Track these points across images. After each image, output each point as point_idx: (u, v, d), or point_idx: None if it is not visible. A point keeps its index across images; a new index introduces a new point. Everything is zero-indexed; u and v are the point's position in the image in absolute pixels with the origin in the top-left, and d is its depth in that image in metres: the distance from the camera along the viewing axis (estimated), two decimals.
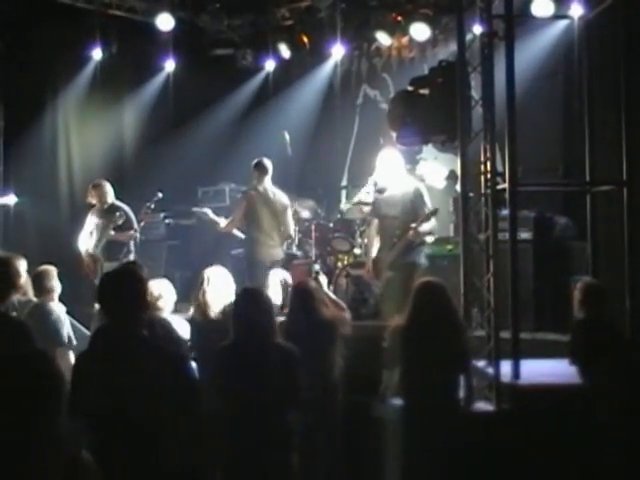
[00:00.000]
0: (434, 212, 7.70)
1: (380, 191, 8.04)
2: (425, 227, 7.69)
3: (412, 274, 7.48)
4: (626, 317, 6.14)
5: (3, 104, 10.13)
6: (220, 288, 5.96)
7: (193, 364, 5.03)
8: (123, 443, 3.71)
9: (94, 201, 9.05)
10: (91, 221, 8.99)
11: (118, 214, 8.74)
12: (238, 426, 4.49)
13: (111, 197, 9.07)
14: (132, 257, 8.88)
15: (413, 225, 7.58)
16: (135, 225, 8.98)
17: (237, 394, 4.50)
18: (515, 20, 6.33)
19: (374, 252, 8.06)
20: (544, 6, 8.41)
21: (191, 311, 6.16)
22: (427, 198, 7.87)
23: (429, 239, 8.08)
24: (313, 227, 9.37)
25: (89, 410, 3.77)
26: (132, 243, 9.03)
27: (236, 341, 4.63)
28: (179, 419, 3.83)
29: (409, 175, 8.25)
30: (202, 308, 5.94)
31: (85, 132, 11.00)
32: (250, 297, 4.79)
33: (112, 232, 8.76)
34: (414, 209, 7.69)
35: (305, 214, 9.79)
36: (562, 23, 8.51)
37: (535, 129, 8.71)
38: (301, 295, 5.74)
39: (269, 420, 4.46)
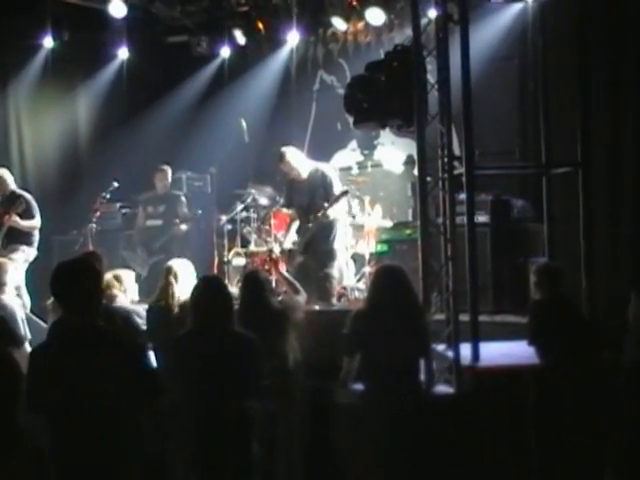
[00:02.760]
0: (344, 193, 7.94)
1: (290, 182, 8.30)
2: (334, 212, 7.95)
3: (330, 262, 7.74)
4: (582, 298, 6.19)
5: None
6: (183, 279, 5.94)
7: (152, 354, 5.00)
8: (84, 436, 3.68)
9: None
10: None
11: (18, 202, 8.61)
12: (197, 414, 4.46)
13: (12, 185, 8.91)
14: (35, 247, 8.77)
15: (325, 205, 7.68)
16: (36, 214, 8.81)
17: (196, 382, 4.47)
18: (470, 4, 6.33)
19: (288, 242, 8.34)
20: None
21: (151, 300, 6.13)
22: (337, 181, 8.21)
23: (342, 219, 8.33)
24: (272, 214, 9.34)
25: (48, 404, 3.72)
26: (36, 233, 8.86)
27: (194, 329, 4.60)
28: (139, 409, 3.80)
29: (316, 162, 8.44)
30: (164, 298, 5.91)
31: (38, 122, 10.82)
32: (208, 285, 4.77)
33: (16, 219, 8.59)
34: (326, 193, 7.93)
35: (263, 201, 9.75)
36: (516, 6, 8.54)
37: (491, 113, 8.75)
38: (251, 285, 5.72)
39: (228, 408, 4.44)
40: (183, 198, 9.68)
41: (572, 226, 6.55)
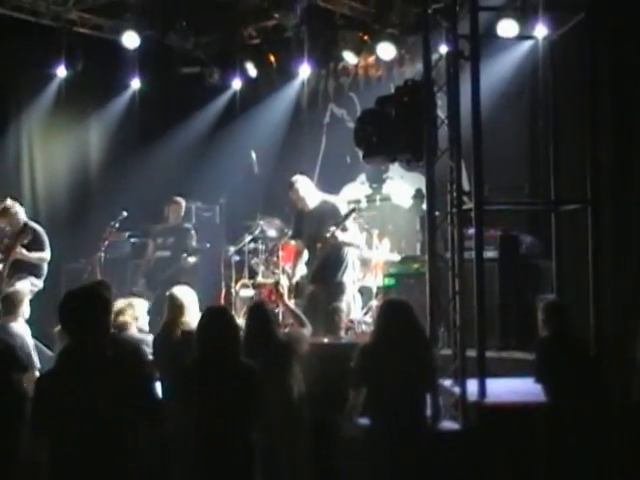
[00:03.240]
0: (351, 212, 7.91)
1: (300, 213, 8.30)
2: (344, 236, 7.83)
3: (339, 295, 7.71)
4: (590, 335, 6.16)
5: None
6: (187, 307, 5.95)
7: (158, 384, 4.99)
8: (86, 462, 3.67)
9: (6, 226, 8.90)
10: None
11: (25, 233, 8.62)
12: (201, 445, 4.43)
13: (23, 217, 8.91)
14: (42, 279, 8.74)
15: (332, 229, 7.69)
16: (46, 247, 8.80)
17: (200, 412, 4.45)
18: (480, 40, 6.38)
19: (297, 275, 8.30)
20: (509, 27, 8.47)
21: (158, 330, 6.13)
22: (344, 209, 8.19)
23: (352, 251, 8.29)
24: (280, 246, 9.36)
25: (52, 430, 3.72)
26: (44, 265, 8.84)
27: (200, 359, 4.59)
28: (142, 438, 3.79)
29: (326, 194, 8.47)
30: (169, 327, 5.92)
31: (50, 150, 10.90)
32: (214, 316, 4.76)
33: (22, 250, 8.59)
34: (335, 224, 7.92)
35: (271, 233, 9.77)
36: (527, 43, 8.57)
37: (501, 148, 8.77)
38: (256, 316, 5.70)
39: (232, 439, 4.41)
40: (193, 231, 9.68)
41: (581, 263, 6.53)
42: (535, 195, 8.50)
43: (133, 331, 6.04)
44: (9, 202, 8.91)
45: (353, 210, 8.11)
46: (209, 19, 10.12)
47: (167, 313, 6.05)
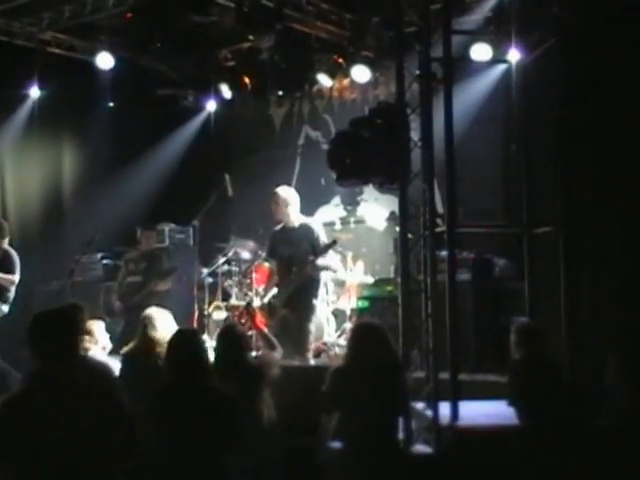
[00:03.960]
0: (332, 244, 7.89)
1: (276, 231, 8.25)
2: (323, 261, 7.82)
3: (309, 316, 7.69)
4: (563, 358, 6.17)
5: None
6: (161, 329, 5.91)
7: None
8: None
9: None
10: None
11: None
12: (174, 470, 4.37)
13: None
14: (8, 302, 8.65)
15: (311, 258, 7.68)
16: (15, 270, 8.69)
17: (173, 437, 4.39)
18: (454, 64, 6.42)
19: (269, 296, 8.24)
20: (482, 50, 8.54)
21: (128, 348, 6.08)
22: (324, 236, 8.08)
23: (325, 274, 8.23)
24: (253, 268, 9.32)
25: (17, 456, 3.65)
26: (12, 288, 8.71)
27: (170, 383, 4.54)
28: (113, 463, 3.73)
29: (303, 216, 8.36)
30: (142, 348, 5.87)
31: (22, 171, 10.77)
32: (184, 338, 4.72)
33: None
34: (312, 247, 7.85)
35: (245, 254, 9.73)
36: (500, 67, 8.64)
37: (474, 171, 8.82)
38: (226, 340, 5.62)
39: (205, 464, 4.36)
40: (164, 255, 9.58)
41: (554, 285, 6.55)
42: (508, 218, 8.55)
43: (96, 353, 5.97)
44: None
45: (334, 242, 8.05)
46: (184, 41, 10.11)
47: (140, 335, 6.01)
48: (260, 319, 7.79)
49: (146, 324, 6.00)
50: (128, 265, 9.48)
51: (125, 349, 6.12)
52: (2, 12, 8.97)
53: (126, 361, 5.94)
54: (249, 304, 8.08)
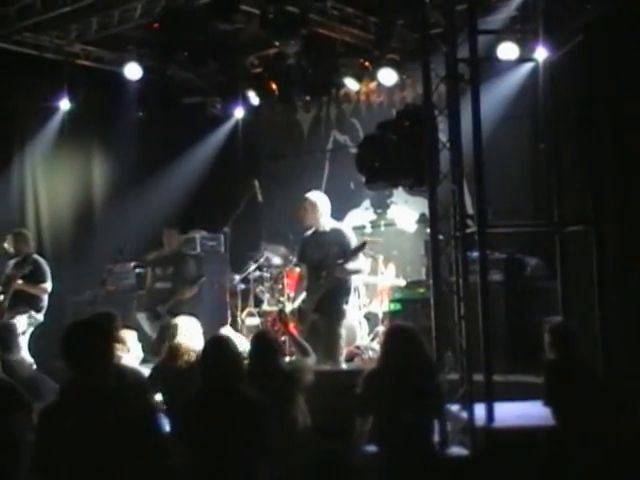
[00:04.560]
0: (362, 246, 7.83)
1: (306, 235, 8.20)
2: (352, 265, 7.76)
3: (339, 320, 7.66)
4: (597, 357, 6.12)
5: None
6: (190, 337, 5.94)
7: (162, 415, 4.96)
8: None
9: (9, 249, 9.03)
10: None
11: (26, 264, 8.67)
12: (206, 478, 4.38)
13: (30, 248, 9.05)
14: (42, 312, 8.80)
15: (340, 261, 7.63)
16: (47, 279, 8.86)
17: (205, 444, 4.41)
18: (481, 63, 6.40)
19: (299, 300, 8.20)
20: (509, 49, 8.50)
21: (159, 359, 6.12)
22: (354, 239, 8.03)
23: (356, 278, 8.21)
24: (285, 273, 9.34)
25: (53, 466, 3.68)
26: (45, 297, 8.91)
27: (203, 390, 4.55)
28: (145, 472, 3.75)
29: (334, 221, 8.31)
30: (172, 357, 5.90)
31: (53, 183, 10.91)
32: (217, 345, 4.73)
33: (19, 282, 8.66)
34: (341, 252, 7.84)
35: (276, 260, 9.75)
36: (527, 66, 8.61)
37: (503, 171, 8.78)
38: (259, 346, 5.63)
39: (237, 471, 4.36)
40: (192, 260, 9.56)
41: (586, 284, 6.50)
42: (539, 217, 8.49)
43: (128, 362, 6.01)
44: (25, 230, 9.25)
45: (364, 244, 7.98)
46: (210, 49, 10.16)
47: (169, 343, 6.04)
48: (293, 325, 7.79)
49: (173, 332, 6.03)
50: (155, 270, 9.47)
51: (156, 361, 6.16)
52: (31, 26, 9.06)
53: (157, 372, 5.98)
54: (282, 311, 8.07)
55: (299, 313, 8.12)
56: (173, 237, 9.48)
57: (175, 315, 6.63)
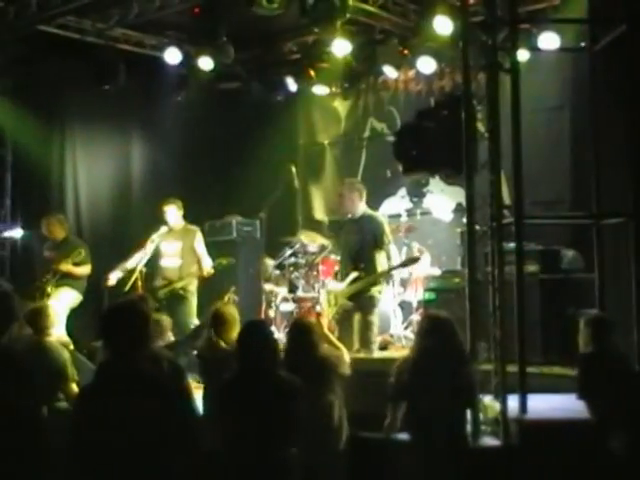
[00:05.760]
0: (413, 260, 7.89)
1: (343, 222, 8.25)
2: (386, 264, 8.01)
3: (373, 310, 7.68)
4: (633, 350, 6.07)
5: (11, 139, 10.18)
6: (228, 322, 5.97)
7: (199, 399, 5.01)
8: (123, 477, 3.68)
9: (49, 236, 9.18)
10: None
11: (77, 252, 8.81)
12: (239, 461, 4.42)
13: (66, 231, 9.27)
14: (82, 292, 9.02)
15: (391, 266, 7.98)
16: (89, 262, 9.07)
17: (238, 428, 4.44)
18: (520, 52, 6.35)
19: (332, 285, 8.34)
20: (550, 39, 8.42)
21: (199, 345, 6.18)
22: (388, 232, 8.12)
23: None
24: (320, 260, 9.36)
25: (89, 447, 3.74)
26: (85, 279, 9.12)
27: (239, 374, 4.59)
28: (179, 456, 3.79)
29: (368, 207, 8.38)
30: (211, 342, 5.95)
31: (93, 166, 11.04)
32: (253, 330, 4.76)
33: (61, 263, 8.83)
34: (375, 242, 7.94)
35: (312, 247, 9.77)
36: (568, 55, 8.54)
37: (542, 161, 8.71)
38: (298, 331, 5.64)
39: (270, 455, 4.40)
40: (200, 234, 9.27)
41: (623, 277, 6.44)
42: (577, 208, 8.42)
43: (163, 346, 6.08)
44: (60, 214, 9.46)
45: (417, 259, 8.13)
46: (249, 34, 10.18)
47: (210, 329, 6.09)
48: (329, 325, 7.82)
49: (211, 318, 6.07)
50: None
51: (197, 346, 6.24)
52: (73, 10, 9.13)
53: (197, 358, 6.05)
54: (316, 303, 8.12)
55: (331, 298, 8.15)
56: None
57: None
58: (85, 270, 9.02)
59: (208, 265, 8.90)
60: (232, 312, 6.08)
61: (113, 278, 8.74)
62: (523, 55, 7.69)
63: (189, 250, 8.96)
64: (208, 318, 6.13)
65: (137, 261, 8.79)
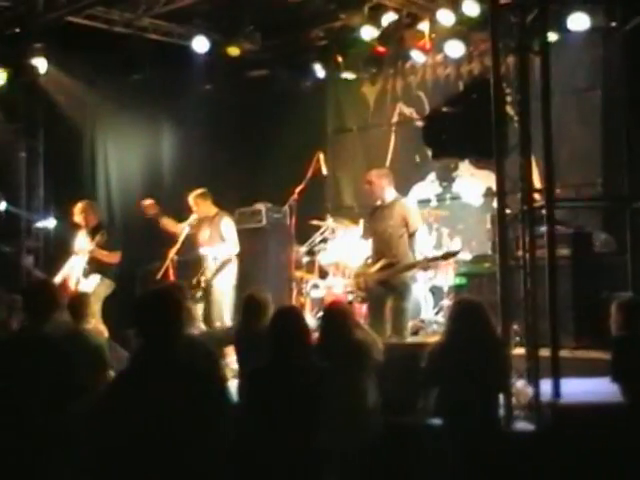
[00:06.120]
0: (451, 254, 7.85)
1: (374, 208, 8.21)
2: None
3: (407, 296, 7.68)
4: None
5: (43, 128, 10.26)
6: (261, 308, 6.00)
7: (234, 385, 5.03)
8: (156, 467, 3.71)
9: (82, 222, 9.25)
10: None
11: (101, 234, 8.86)
12: (271, 446, 4.44)
13: (98, 217, 9.34)
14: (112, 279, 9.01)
15: (429, 257, 7.90)
16: (119, 248, 9.09)
17: (269, 414, 4.46)
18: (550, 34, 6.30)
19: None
20: (580, 19, 8.34)
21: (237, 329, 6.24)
22: (418, 218, 8.06)
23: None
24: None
25: (123, 433, 3.78)
26: (115, 266, 9.13)
27: (270, 361, 4.60)
28: (212, 442, 3.82)
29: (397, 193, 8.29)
30: (246, 328, 6.00)
31: (123, 156, 11.11)
32: (285, 316, 4.78)
33: (94, 250, 8.88)
34: (405, 224, 7.85)
35: (341, 233, 9.77)
36: (598, 35, 8.45)
37: (573, 144, 8.65)
38: (333, 314, 5.65)
39: (301, 441, 4.41)
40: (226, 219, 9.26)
41: None
42: (608, 191, 8.35)
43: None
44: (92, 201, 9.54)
45: (455, 253, 8.10)
46: (276, 21, 10.18)
47: (243, 315, 6.13)
48: (360, 313, 7.83)
49: (247, 304, 6.11)
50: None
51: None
52: (101, 0, 9.19)
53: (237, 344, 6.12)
54: (351, 303, 8.12)
55: (360, 280, 8.12)
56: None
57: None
58: (115, 258, 9.08)
59: (233, 252, 8.90)
60: (265, 298, 6.10)
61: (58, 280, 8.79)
62: (552, 36, 7.62)
63: (218, 237, 9.00)
64: (240, 304, 6.17)
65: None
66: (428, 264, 7.91)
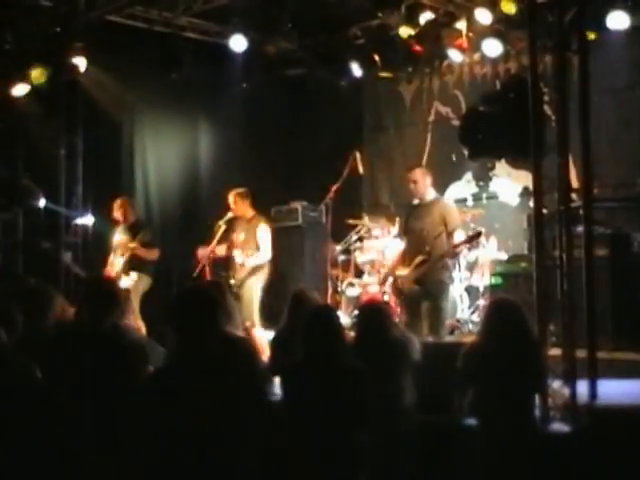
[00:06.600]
0: (477, 235, 7.79)
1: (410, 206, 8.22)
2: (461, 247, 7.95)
3: (444, 295, 7.63)
4: None
5: (83, 126, 10.37)
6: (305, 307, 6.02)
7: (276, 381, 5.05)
8: (193, 460, 3.75)
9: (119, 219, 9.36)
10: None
11: (144, 232, 8.95)
12: (306, 445, 4.46)
13: (135, 214, 9.48)
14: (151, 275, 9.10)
15: (456, 243, 7.82)
16: (155, 245, 9.20)
17: (304, 412, 4.48)
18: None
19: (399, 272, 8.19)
20: (620, 18, 8.27)
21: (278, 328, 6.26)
22: (456, 216, 8.04)
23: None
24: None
25: (160, 430, 3.81)
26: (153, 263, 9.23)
27: (305, 359, 4.61)
28: (250, 439, 3.84)
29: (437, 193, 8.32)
30: (288, 326, 6.02)
31: (161, 153, 11.20)
32: (320, 315, 4.79)
33: (133, 246, 8.98)
34: (443, 222, 7.85)
35: (377, 232, 9.78)
36: (637, 33, 8.36)
37: (611, 144, 8.58)
38: (369, 314, 5.65)
39: (336, 439, 4.41)
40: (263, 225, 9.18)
41: None
42: None
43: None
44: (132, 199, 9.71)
45: (480, 234, 8.04)
46: (314, 20, 10.19)
47: (288, 314, 6.15)
48: (395, 312, 7.82)
49: (295, 304, 6.13)
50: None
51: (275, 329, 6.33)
52: (141, 0, 9.29)
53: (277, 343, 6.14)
54: (387, 302, 8.11)
55: (397, 285, 8.13)
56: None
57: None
58: (154, 254, 9.16)
59: (265, 258, 8.84)
60: (314, 297, 6.13)
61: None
62: (590, 35, 7.56)
63: (253, 242, 8.97)
64: (288, 301, 6.18)
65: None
66: (454, 250, 7.85)
